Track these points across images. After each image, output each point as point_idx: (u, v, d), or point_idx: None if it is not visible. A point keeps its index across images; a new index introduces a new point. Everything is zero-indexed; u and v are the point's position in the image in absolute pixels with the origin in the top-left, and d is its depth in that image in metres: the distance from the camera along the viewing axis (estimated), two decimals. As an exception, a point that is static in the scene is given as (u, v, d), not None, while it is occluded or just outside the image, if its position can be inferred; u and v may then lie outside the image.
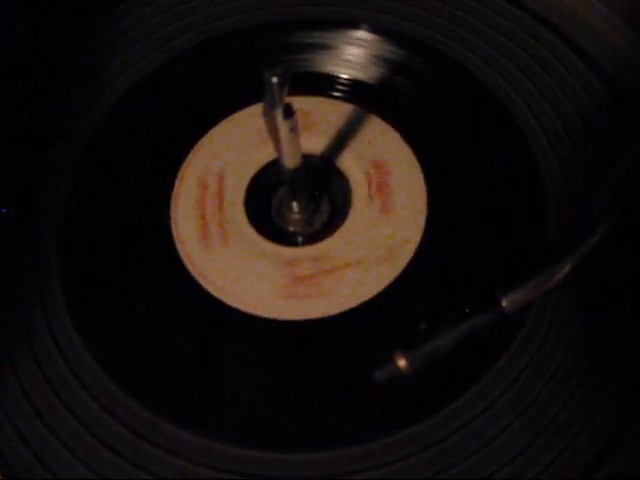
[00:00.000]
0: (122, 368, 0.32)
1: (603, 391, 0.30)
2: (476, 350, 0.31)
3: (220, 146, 0.39)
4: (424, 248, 0.35)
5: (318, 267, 0.35)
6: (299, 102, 0.31)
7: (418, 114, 0.39)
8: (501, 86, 0.40)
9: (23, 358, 0.32)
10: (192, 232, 0.36)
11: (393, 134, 0.38)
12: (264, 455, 0.30)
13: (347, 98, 0.40)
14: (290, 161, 0.33)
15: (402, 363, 0.31)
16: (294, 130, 0.31)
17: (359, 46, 0.42)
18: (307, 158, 0.35)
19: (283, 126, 0.30)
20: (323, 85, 0.41)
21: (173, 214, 0.37)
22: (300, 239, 0.37)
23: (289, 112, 0.30)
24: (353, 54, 0.42)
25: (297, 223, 0.37)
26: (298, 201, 0.36)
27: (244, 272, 0.35)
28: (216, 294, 0.34)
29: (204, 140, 0.39)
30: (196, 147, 0.39)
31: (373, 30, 0.42)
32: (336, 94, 0.41)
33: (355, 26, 0.43)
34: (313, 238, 0.36)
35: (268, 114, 0.30)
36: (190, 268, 0.35)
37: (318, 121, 0.39)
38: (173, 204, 0.37)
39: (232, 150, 0.38)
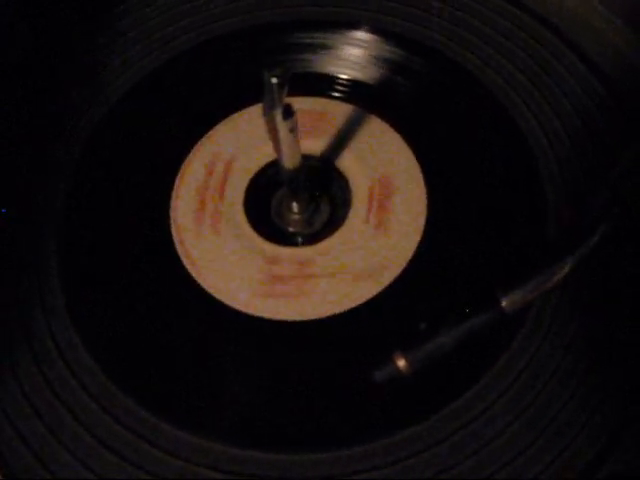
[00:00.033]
0: (121, 368, 0.32)
1: (603, 391, 0.30)
2: (476, 350, 0.31)
3: (229, 136, 0.39)
4: (424, 248, 0.35)
5: (298, 270, 0.35)
6: (299, 102, 0.31)
7: (418, 114, 0.39)
8: (501, 86, 0.40)
9: (23, 358, 0.32)
10: (190, 225, 0.36)
11: (393, 134, 0.39)
12: (263, 455, 0.30)
13: (347, 98, 0.40)
14: (290, 161, 0.33)
15: (402, 363, 0.31)
16: (294, 130, 0.31)
17: (359, 46, 0.42)
18: (307, 158, 0.35)
19: (282, 126, 0.30)
20: (323, 85, 0.41)
21: (172, 214, 0.37)
22: (300, 239, 0.37)
23: (289, 112, 0.30)
24: (353, 54, 0.42)
25: (297, 223, 0.37)
26: (298, 201, 0.36)
27: (227, 262, 0.35)
28: (197, 277, 0.35)
29: (204, 140, 0.39)
30: (196, 147, 0.39)
31: (373, 30, 0.42)
32: (336, 94, 0.41)
33: (355, 26, 0.43)
34: (313, 238, 0.36)
35: (268, 114, 0.30)
36: (186, 264, 0.35)
37: (318, 122, 0.39)
38: (173, 203, 0.37)
39: (236, 145, 0.39)
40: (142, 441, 0.30)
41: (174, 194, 0.37)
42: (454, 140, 0.38)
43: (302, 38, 0.42)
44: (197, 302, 0.34)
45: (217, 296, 0.34)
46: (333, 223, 0.37)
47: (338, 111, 0.39)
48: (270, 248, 0.36)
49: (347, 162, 0.38)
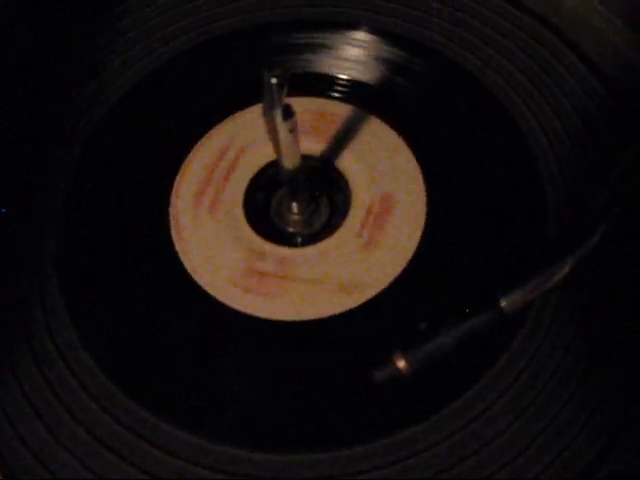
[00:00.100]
0: (121, 368, 0.32)
1: (603, 391, 0.30)
2: (476, 350, 0.31)
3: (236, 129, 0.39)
4: (424, 248, 0.35)
5: (278, 269, 0.35)
6: (298, 103, 0.31)
7: (418, 115, 0.40)
8: (501, 87, 0.40)
9: (23, 358, 0.32)
10: (188, 204, 0.37)
11: (392, 135, 0.39)
12: (263, 456, 0.30)
13: (347, 99, 0.40)
14: (289, 162, 0.33)
15: (401, 364, 0.31)
16: (293, 131, 0.31)
17: (359, 47, 0.42)
18: (307, 159, 0.35)
19: (282, 127, 0.30)
20: (323, 86, 0.41)
21: (172, 210, 0.37)
22: (299, 239, 0.37)
23: (288, 113, 0.30)
24: (353, 55, 0.42)
25: (296, 224, 0.37)
26: (297, 202, 0.36)
27: (215, 247, 0.35)
28: (181, 255, 0.35)
29: (204, 140, 0.39)
30: (196, 147, 0.39)
31: (373, 31, 0.42)
32: (336, 95, 0.41)
33: (355, 27, 0.43)
34: (313, 238, 0.36)
35: (267, 115, 0.30)
36: (175, 240, 0.36)
37: (318, 122, 0.39)
38: (172, 202, 0.37)
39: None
40: (141, 441, 0.30)
41: (173, 194, 0.37)
42: (454, 140, 0.38)
43: (302, 38, 0.42)
44: (196, 302, 0.34)
45: (197, 280, 0.34)
46: (331, 226, 0.37)
47: (338, 111, 0.39)
48: (259, 242, 0.36)
49: (347, 162, 0.38)
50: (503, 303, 0.31)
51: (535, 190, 0.36)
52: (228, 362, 0.33)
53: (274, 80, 0.28)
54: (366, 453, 0.30)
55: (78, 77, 0.42)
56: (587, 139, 0.38)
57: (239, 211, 0.37)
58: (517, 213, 0.36)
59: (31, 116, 0.40)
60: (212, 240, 0.36)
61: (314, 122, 0.39)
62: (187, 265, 0.35)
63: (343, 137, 0.39)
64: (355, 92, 0.41)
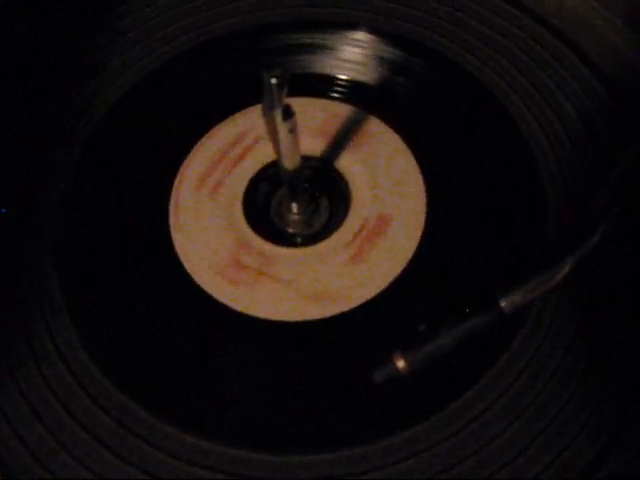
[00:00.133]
0: (121, 369, 0.32)
1: (603, 391, 0.30)
2: (476, 350, 0.31)
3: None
4: (423, 248, 0.35)
5: (259, 264, 0.35)
6: (298, 103, 0.31)
7: (418, 115, 0.40)
8: (501, 87, 0.40)
9: (22, 359, 0.32)
10: (192, 183, 0.37)
11: (392, 135, 0.39)
12: (263, 457, 0.30)
13: (347, 99, 0.40)
14: (289, 162, 0.33)
15: (401, 364, 0.31)
16: (293, 131, 0.31)
17: (359, 47, 0.42)
18: (307, 159, 0.35)
19: (282, 127, 0.30)
20: (323, 86, 0.41)
21: (172, 204, 0.37)
22: (299, 240, 0.37)
23: (288, 113, 0.30)
24: (353, 55, 0.42)
25: (296, 224, 0.37)
26: (297, 202, 0.36)
27: (206, 228, 0.36)
28: (172, 232, 0.36)
29: (204, 140, 0.39)
30: (196, 147, 0.39)
31: (372, 31, 0.42)
32: (336, 95, 0.41)
33: (355, 27, 0.43)
34: (313, 238, 0.36)
35: (267, 115, 0.30)
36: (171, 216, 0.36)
37: (317, 122, 0.39)
38: (173, 195, 0.37)
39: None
40: (141, 441, 0.30)
41: (173, 193, 0.37)
42: (454, 141, 0.38)
43: (302, 39, 0.42)
44: (196, 303, 0.34)
45: (182, 259, 0.35)
46: (332, 225, 0.37)
47: (338, 112, 0.39)
48: (247, 232, 0.36)
49: (347, 163, 0.38)
50: (503, 303, 0.31)
51: (535, 190, 0.36)
52: (227, 362, 0.33)
53: (274, 80, 0.28)
54: (366, 453, 0.30)
55: (78, 77, 0.42)
56: (587, 139, 0.38)
57: (238, 202, 0.37)
58: (517, 213, 0.36)
59: (31, 116, 0.40)
60: (206, 223, 0.36)
61: (314, 123, 0.39)
62: (176, 246, 0.36)
63: (343, 137, 0.39)
64: (355, 92, 0.41)
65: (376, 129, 0.39)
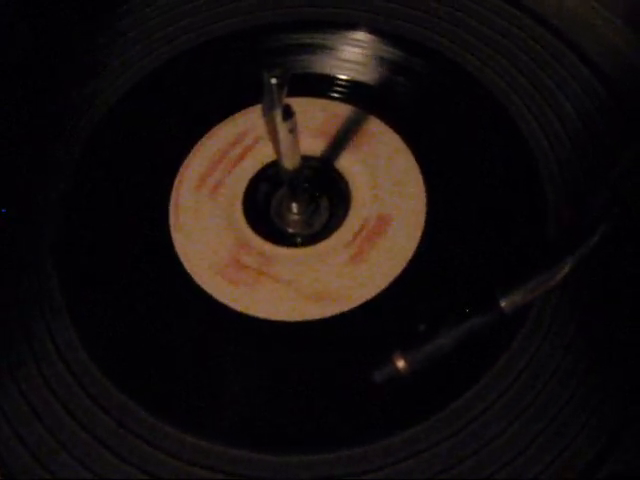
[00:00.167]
0: (121, 369, 0.32)
1: (603, 391, 0.30)
2: (476, 350, 0.31)
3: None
4: (424, 248, 0.35)
5: (259, 264, 0.35)
6: (298, 103, 0.31)
7: (418, 115, 0.40)
8: (501, 87, 0.40)
9: (22, 359, 0.32)
10: (192, 183, 0.37)
11: (392, 135, 0.39)
12: (263, 457, 0.30)
13: (346, 99, 0.40)
14: (289, 162, 0.33)
15: (401, 364, 0.30)
16: (293, 131, 0.31)
17: (359, 47, 0.42)
18: (307, 159, 0.35)
19: (282, 127, 0.30)
20: (323, 86, 0.41)
21: (172, 204, 0.37)
22: (299, 240, 0.37)
23: (288, 113, 0.30)
24: (353, 55, 0.42)
25: (296, 224, 0.37)
26: (297, 202, 0.36)
27: (206, 228, 0.36)
28: (172, 231, 0.36)
29: (204, 140, 0.39)
30: (196, 147, 0.39)
31: (372, 31, 0.42)
32: (335, 95, 0.41)
33: (355, 27, 0.43)
34: (313, 238, 0.36)
35: (267, 115, 0.30)
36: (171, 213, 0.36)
37: (317, 122, 0.39)
38: (173, 195, 0.37)
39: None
40: (141, 441, 0.30)
41: (174, 193, 0.37)
42: (454, 141, 0.38)
43: (302, 39, 0.42)
44: (196, 303, 0.34)
45: (182, 259, 0.35)
46: (332, 225, 0.37)
47: (338, 112, 0.39)
48: (247, 232, 0.36)
49: (347, 163, 0.38)
50: (503, 303, 0.31)
51: (535, 190, 0.36)
52: (228, 362, 0.33)
53: (274, 80, 0.28)
54: (366, 454, 0.30)
55: (78, 77, 0.42)
56: (587, 139, 0.38)
57: (238, 202, 0.37)
58: (517, 213, 0.36)
59: (31, 116, 0.40)
60: (206, 223, 0.36)
61: (314, 123, 0.39)
62: (175, 245, 0.36)
63: (343, 137, 0.39)
64: (355, 92, 0.41)
65: (376, 129, 0.39)
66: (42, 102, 0.41)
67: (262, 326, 0.33)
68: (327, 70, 0.41)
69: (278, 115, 0.30)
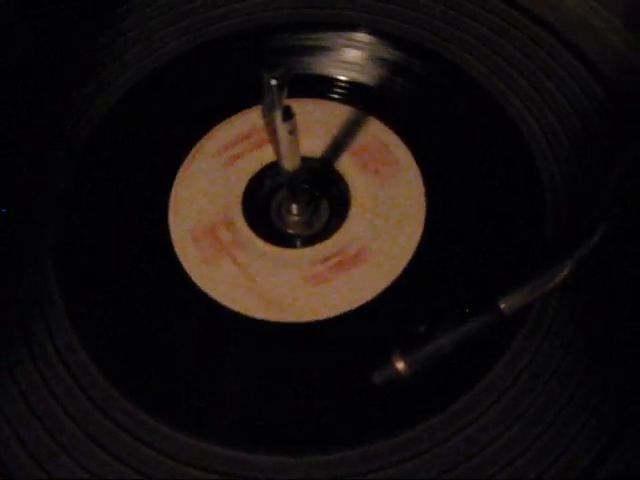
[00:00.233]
0: (120, 370, 0.32)
1: (603, 391, 0.30)
2: (476, 351, 0.31)
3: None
4: (423, 249, 0.35)
5: (247, 259, 0.35)
6: (298, 104, 0.31)
7: (417, 116, 0.40)
8: (499, 88, 0.40)
9: (22, 359, 0.32)
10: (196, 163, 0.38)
11: (392, 136, 0.39)
12: (263, 458, 0.30)
13: (346, 100, 0.40)
14: (289, 163, 0.33)
15: (400, 366, 0.30)
16: (293, 132, 0.31)
17: (358, 48, 0.42)
18: (306, 160, 0.35)
19: (282, 128, 0.30)
20: (322, 87, 0.41)
21: (172, 204, 0.37)
22: (299, 241, 0.37)
23: (288, 114, 0.30)
24: (352, 56, 0.42)
25: (296, 225, 0.37)
26: (297, 203, 0.36)
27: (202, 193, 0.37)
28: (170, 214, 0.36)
29: (204, 140, 0.39)
30: (196, 147, 0.39)
31: (372, 32, 0.42)
32: (335, 96, 0.41)
33: (354, 28, 0.43)
34: (312, 239, 0.36)
35: (267, 116, 0.30)
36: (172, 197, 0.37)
37: (317, 123, 0.39)
38: (173, 195, 0.37)
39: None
40: (140, 443, 0.30)
41: (174, 192, 0.37)
42: (453, 141, 0.39)
43: (302, 40, 0.42)
44: (196, 303, 0.34)
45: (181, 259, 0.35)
46: (332, 226, 0.37)
47: (338, 113, 0.40)
48: (248, 232, 0.36)
49: (346, 164, 0.38)
50: (502, 305, 0.31)
51: (534, 190, 0.36)
52: (227, 363, 0.33)
53: (274, 81, 0.28)
54: (366, 455, 0.30)
55: (78, 77, 0.42)
56: (586, 140, 0.38)
57: (237, 200, 0.37)
58: (517, 214, 0.36)
59: (31, 116, 0.40)
60: (205, 186, 0.37)
61: (314, 124, 0.39)
62: (170, 225, 0.36)
63: (343, 139, 0.39)
64: (355, 93, 0.41)
65: (375, 130, 0.39)
66: (42, 102, 0.41)
67: (262, 326, 0.33)
68: (327, 71, 0.41)
69: (278, 116, 0.30)
